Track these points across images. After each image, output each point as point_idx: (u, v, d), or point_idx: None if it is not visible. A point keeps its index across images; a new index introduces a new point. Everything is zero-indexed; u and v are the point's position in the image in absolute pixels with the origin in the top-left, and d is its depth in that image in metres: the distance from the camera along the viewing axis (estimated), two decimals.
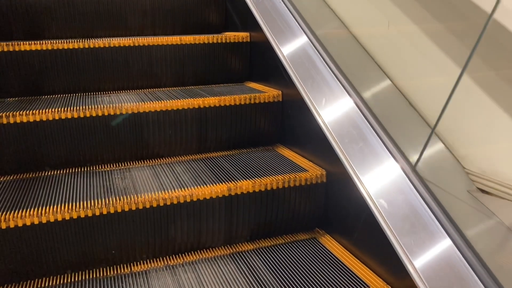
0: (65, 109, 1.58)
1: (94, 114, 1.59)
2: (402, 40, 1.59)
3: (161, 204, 1.35)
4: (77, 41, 1.86)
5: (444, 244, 1.09)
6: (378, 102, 1.49)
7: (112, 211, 1.30)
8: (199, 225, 1.42)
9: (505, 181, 1.19)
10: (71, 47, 1.85)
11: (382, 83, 1.58)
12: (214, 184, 1.43)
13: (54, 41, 1.84)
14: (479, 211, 1.19)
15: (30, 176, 1.55)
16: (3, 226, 1.21)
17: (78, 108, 1.59)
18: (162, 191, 1.39)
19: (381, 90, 1.59)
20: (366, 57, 1.65)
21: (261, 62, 2.02)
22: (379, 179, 1.28)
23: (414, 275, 1.08)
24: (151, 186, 1.44)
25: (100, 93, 1.93)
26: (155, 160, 1.71)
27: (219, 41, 2.05)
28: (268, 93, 1.81)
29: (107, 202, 1.31)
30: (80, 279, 1.30)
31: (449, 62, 1.36)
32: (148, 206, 1.34)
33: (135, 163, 1.68)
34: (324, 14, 1.88)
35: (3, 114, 1.50)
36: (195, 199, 1.38)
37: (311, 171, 1.53)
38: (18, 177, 1.54)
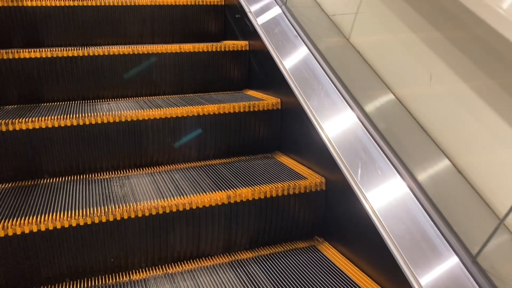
0: (64, 116, 1.58)
1: (93, 122, 1.59)
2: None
3: (160, 212, 1.34)
4: (76, 49, 1.86)
5: (448, 259, 1.08)
6: (381, 115, 1.48)
7: (111, 219, 1.30)
8: (198, 233, 1.41)
9: None
10: (70, 55, 1.85)
11: (385, 97, 1.56)
12: (213, 192, 1.43)
13: (54, 49, 1.84)
14: None
15: (29, 183, 1.54)
16: (2, 234, 1.20)
17: (77, 115, 1.59)
18: (161, 199, 1.38)
19: (384, 105, 1.57)
20: (369, 71, 1.64)
21: (260, 70, 2.03)
22: (380, 191, 1.28)
23: (415, 284, 1.07)
24: (150, 194, 1.44)
25: (99, 101, 1.93)
26: (154, 168, 1.70)
27: (218, 49, 2.06)
28: (267, 101, 1.81)
29: (106, 210, 1.31)
30: (78, 287, 1.29)
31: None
32: (147, 214, 1.33)
33: (134, 170, 1.68)
34: (325, 25, 1.89)
35: (2, 122, 1.50)
36: (194, 207, 1.38)
37: (310, 178, 1.53)
38: (16, 184, 1.53)
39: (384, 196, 1.26)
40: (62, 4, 2.08)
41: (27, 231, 1.22)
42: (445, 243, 1.10)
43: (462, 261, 1.06)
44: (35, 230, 1.23)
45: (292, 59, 1.77)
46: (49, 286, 1.29)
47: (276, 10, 1.98)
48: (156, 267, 1.39)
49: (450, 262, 1.07)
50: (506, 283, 1.01)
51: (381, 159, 1.32)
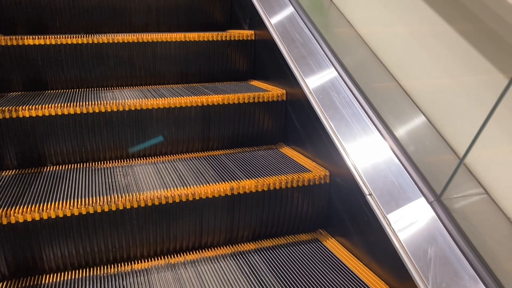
0: (68, 104, 1.57)
1: (97, 110, 1.58)
2: None
3: (163, 202, 1.34)
4: (81, 37, 1.85)
5: (451, 253, 1.07)
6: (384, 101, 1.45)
7: (113, 208, 1.29)
8: (201, 224, 1.41)
9: None
10: (74, 42, 1.84)
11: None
12: (216, 183, 1.42)
13: (58, 36, 1.83)
14: None
15: (32, 171, 1.54)
16: (4, 222, 1.20)
17: (81, 103, 1.58)
18: (164, 189, 1.38)
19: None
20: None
21: (266, 60, 2.01)
22: (384, 183, 1.27)
23: (418, 280, 1.06)
24: (153, 183, 1.43)
25: (104, 89, 1.92)
26: (157, 157, 1.70)
27: (224, 39, 2.04)
28: (272, 92, 1.80)
29: (109, 199, 1.31)
30: (80, 276, 1.29)
31: None
32: (150, 204, 1.33)
33: (138, 160, 1.67)
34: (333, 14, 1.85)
35: (6, 109, 1.50)
36: (197, 198, 1.37)
37: (315, 171, 1.52)
38: (20, 172, 1.53)
39: (390, 191, 1.24)
40: None
41: (29, 219, 1.22)
42: (449, 239, 1.08)
43: (464, 254, 1.04)
44: (37, 218, 1.22)
45: (296, 47, 1.75)
46: (52, 274, 1.29)
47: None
48: (159, 257, 1.39)
49: (452, 254, 1.06)
50: None
51: (390, 153, 1.31)
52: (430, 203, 1.14)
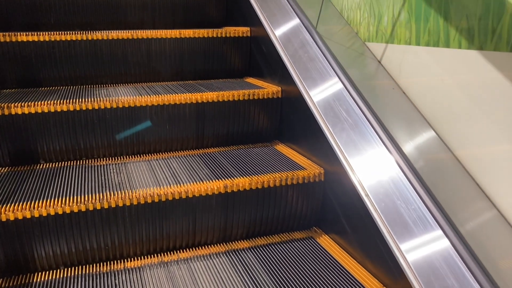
0: (61, 101, 1.56)
1: (90, 107, 1.57)
2: None
3: (156, 200, 1.33)
4: (75, 33, 1.84)
5: (442, 245, 1.07)
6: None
7: (106, 206, 1.28)
8: (195, 222, 1.40)
9: None
10: (68, 39, 1.83)
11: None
12: (210, 181, 1.41)
13: (52, 33, 1.82)
14: None
15: (25, 168, 1.53)
16: None
17: (74, 101, 1.57)
18: (158, 187, 1.37)
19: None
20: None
21: (261, 57, 2.00)
22: (378, 181, 1.26)
23: (411, 277, 1.06)
24: (147, 181, 1.42)
25: (98, 86, 1.91)
26: (151, 155, 1.69)
27: (219, 36, 2.03)
28: (267, 89, 1.79)
29: (101, 197, 1.30)
30: (73, 274, 1.28)
31: None
32: (142, 202, 1.32)
33: (131, 157, 1.66)
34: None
35: None
36: (190, 196, 1.36)
37: (309, 169, 1.51)
38: (12, 169, 1.52)
39: (382, 190, 1.24)
40: None
41: (20, 217, 1.21)
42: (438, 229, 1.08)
43: (451, 241, 1.03)
44: (28, 216, 1.21)
45: (292, 44, 1.74)
46: (44, 272, 1.29)
47: None
48: (152, 255, 1.38)
49: (442, 245, 1.05)
50: None
51: (382, 147, 1.30)
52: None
